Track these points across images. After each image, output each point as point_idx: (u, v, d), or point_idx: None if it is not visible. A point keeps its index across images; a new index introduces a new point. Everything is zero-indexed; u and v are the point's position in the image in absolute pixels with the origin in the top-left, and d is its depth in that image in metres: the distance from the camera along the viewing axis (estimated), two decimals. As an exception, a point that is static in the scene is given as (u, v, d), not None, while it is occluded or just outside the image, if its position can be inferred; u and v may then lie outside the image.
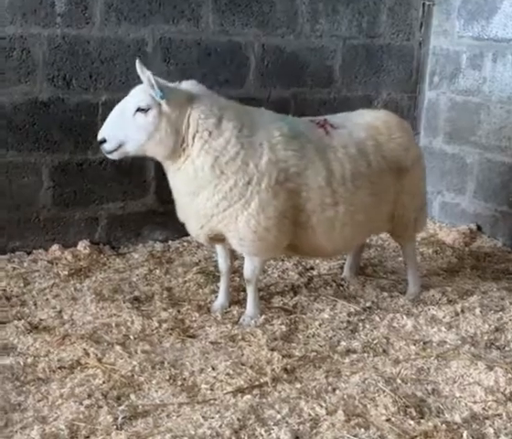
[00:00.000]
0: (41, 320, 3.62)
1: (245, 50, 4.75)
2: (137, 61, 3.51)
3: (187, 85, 3.68)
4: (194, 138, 3.49)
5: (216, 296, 3.91)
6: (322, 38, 4.97)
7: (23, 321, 3.57)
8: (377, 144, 3.83)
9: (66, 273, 4.20)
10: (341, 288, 4.15)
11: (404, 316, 3.74)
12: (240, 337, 3.52)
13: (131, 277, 4.23)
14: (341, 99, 5.11)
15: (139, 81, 4.55)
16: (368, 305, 3.88)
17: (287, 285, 4.16)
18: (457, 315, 3.79)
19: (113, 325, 3.58)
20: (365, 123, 3.88)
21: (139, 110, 3.48)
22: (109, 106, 4.34)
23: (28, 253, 4.41)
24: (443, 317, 3.76)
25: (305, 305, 3.89)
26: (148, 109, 3.47)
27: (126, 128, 3.49)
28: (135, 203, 4.68)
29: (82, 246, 4.51)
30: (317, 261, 4.50)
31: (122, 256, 4.56)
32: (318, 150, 3.64)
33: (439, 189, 5.41)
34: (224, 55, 4.69)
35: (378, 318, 3.74)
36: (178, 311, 3.78)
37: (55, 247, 4.45)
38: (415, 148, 4.11)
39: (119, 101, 4.36)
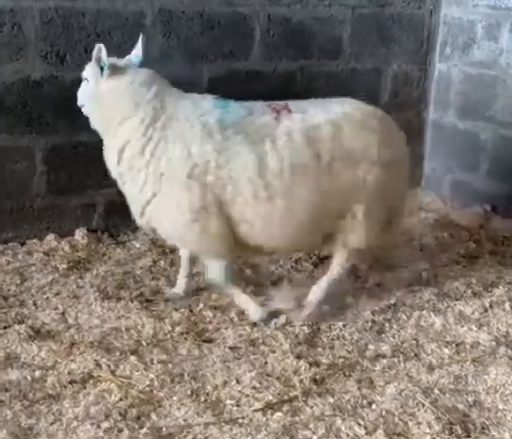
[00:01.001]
0: (44, 324, 3.34)
1: (250, 21, 4.43)
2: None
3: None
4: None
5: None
6: (330, 8, 4.66)
7: (24, 325, 3.28)
8: (336, 134, 3.35)
9: (64, 266, 3.90)
10: (359, 280, 3.93)
11: (431, 314, 3.53)
12: (260, 340, 3.28)
13: (134, 270, 3.95)
14: (349, 71, 4.83)
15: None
16: (392, 301, 3.66)
17: (301, 277, 3.94)
18: (486, 310, 3.59)
19: (123, 329, 3.31)
20: (333, 111, 3.41)
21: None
22: (106, 84, 4.03)
23: (22, 244, 4.10)
24: (472, 314, 3.56)
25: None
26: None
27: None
28: (134, 187, 4.38)
29: (80, 235, 4.21)
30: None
31: (122, 245, 4.25)
32: (251, 141, 3.30)
33: (449, 167, 5.18)
34: (228, 27, 4.36)
35: (404, 317, 3.52)
36: (191, 311, 3.52)
37: (50, 237, 4.14)
38: (390, 150, 3.52)
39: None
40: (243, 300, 3.51)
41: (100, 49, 3.33)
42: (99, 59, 3.34)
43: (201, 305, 3.58)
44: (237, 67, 4.43)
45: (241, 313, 3.50)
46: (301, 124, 3.34)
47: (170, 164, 3.29)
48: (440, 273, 4.02)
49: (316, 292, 3.53)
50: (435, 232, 4.68)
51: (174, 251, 4.21)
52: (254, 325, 3.42)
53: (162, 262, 4.04)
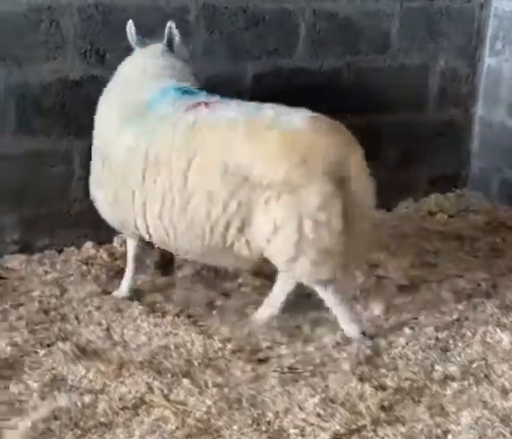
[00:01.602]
0: (89, 342, 3.15)
1: (295, 17, 4.21)
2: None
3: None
4: None
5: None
6: (378, 1, 4.43)
7: (69, 343, 3.09)
8: (225, 142, 3.05)
9: (104, 276, 3.72)
10: (414, 291, 3.73)
11: (497, 329, 3.32)
12: (318, 360, 3.09)
13: (175, 279, 3.77)
14: (397, 67, 4.60)
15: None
16: (454, 316, 3.45)
17: (353, 290, 3.70)
18: (556, 326, 3.40)
19: (172, 347, 3.12)
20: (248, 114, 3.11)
21: None
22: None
23: (59, 252, 3.91)
24: (541, 329, 3.37)
25: (382, 313, 3.48)
26: None
27: None
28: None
29: (118, 242, 4.01)
30: (381, 256, 4.07)
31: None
32: (138, 135, 3.20)
33: (498, 166, 4.95)
34: (272, 23, 4.14)
35: (469, 333, 3.31)
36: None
37: (88, 244, 3.95)
38: (294, 171, 2.98)
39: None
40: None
41: None
42: None
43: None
44: (281, 64, 4.22)
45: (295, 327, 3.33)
46: (190, 122, 3.13)
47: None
48: (499, 283, 3.81)
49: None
50: (487, 237, 4.47)
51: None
52: (308, 341, 3.24)
53: (204, 271, 3.83)
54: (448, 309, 3.51)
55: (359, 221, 3.08)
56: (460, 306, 3.54)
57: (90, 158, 3.58)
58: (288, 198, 2.98)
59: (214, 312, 3.46)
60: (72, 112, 3.77)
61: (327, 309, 3.41)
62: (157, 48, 3.48)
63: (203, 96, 3.30)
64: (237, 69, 4.09)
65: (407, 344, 3.21)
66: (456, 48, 4.79)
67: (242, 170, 3.00)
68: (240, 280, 3.74)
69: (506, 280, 3.85)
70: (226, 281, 3.74)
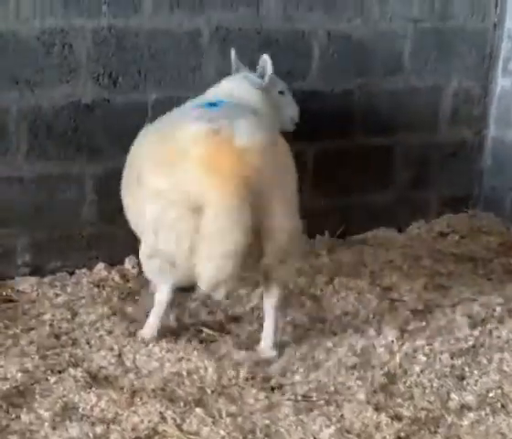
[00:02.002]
0: (101, 368, 3.11)
1: (308, 39, 4.20)
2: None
3: None
4: None
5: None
6: (391, 22, 4.41)
7: (80, 369, 3.05)
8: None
9: (116, 298, 3.70)
10: (428, 315, 3.70)
11: (514, 357, 3.30)
12: (332, 388, 3.05)
13: (187, 302, 3.74)
14: (409, 88, 4.57)
15: (193, 77, 4.09)
16: (470, 342, 3.41)
17: (366, 314, 3.68)
18: None
19: (185, 374, 3.08)
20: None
21: None
22: (159, 106, 3.85)
23: (71, 274, 3.89)
24: (560, 357, 3.32)
25: (396, 339, 3.43)
26: None
27: None
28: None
29: (130, 264, 3.99)
30: (393, 278, 4.05)
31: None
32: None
33: (511, 186, 4.92)
34: (286, 44, 4.13)
35: (485, 360, 3.27)
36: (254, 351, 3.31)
37: (100, 266, 3.93)
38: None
39: (171, 100, 3.88)
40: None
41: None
42: None
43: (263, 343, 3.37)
44: (294, 86, 4.19)
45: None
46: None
47: None
48: (514, 308, 3.78)
49: None
50: (501, 258, 4.43)
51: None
52: (321, 368, 3.20)
53: (215, 294, 3.82)
54: (463, 335, 3.47)
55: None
56: (475, 332, 3.49)
57: (102, 182, 3.59)
58: None
59: (226, 337, 3.45)
60: (85, 135, 3.76)
61: (340, 335, 3.41)
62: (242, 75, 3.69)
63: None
64: (250, 93, 4.08)
65: (422, 372, 3.17)
66: (469, 69, 4.76)
67: None
68: (252, 304, 3.73)
69: (519, 303, 3.82)
70: (237, 304, 3.73)
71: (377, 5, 4.33)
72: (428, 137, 4.81)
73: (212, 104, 3.32)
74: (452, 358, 3.27)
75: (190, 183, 2.94)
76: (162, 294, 3.32)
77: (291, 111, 3.90)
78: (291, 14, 4.08)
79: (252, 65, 4.05)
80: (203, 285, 3.04)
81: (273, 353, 3.27)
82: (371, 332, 3.46)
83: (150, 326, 3.35)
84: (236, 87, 3.61)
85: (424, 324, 3.60)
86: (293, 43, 4.15)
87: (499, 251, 4.54)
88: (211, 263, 2.95)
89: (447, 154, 4.89)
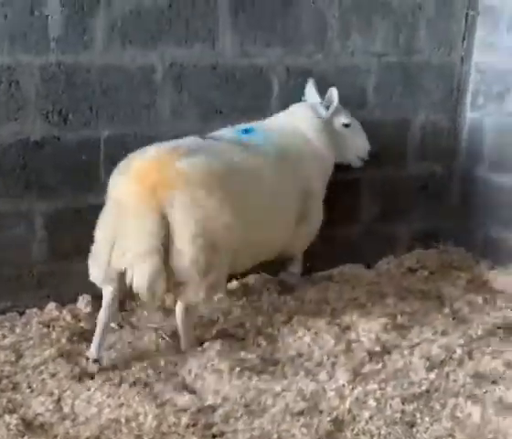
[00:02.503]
0: (37, 415, 3.01)
1: (267, 74, 4.13)
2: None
3: None
4: None
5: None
6: (354, 56, 4.36)
7: (15, 416, 2.95)
8: None
9: (64, 340, 3.59)
10: (385, 357, 3.58)
11: (468, 402, 3.15)
12: (275, 435, 2.94)
13: (139, 345, 3.63)
14: (375, 123, 4.49)
15: (147, 113, 4.04)
16: (424, 387, 3.28)
17: (321, 355, 3.55)
18: (529, 398, 3.23)
19: (123, 420, 2.97)
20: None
21: None
22: (112, 143, 3.79)
23: (21, 314, 3.79)
24: (514, 402, 3.20)
25: (348, 383, 3.32)
26: None
27: None
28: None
29: (83, 303, 3.90)
30: (353, 317, 3.93)
31: (130, 313, 3.95)
32: None
33: (481, 223, 4.82)
34: (243, 80, 4.07)
35: (438, 406, 3.14)
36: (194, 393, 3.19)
37: (51, 305, 3.83)
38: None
39: (124, 137, 3.83)
40: None
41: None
42: None
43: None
44: (255, 122, 4.14)
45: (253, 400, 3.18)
46: None
47: None
48: (475, 349, 3.64)
49: None
50: (468, 296, 4.31)
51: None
52: (264, 414, 3.08)
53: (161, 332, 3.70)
54: (418, 378, 3.35)
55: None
56: (431, 375, 3.37)
57: (53, 219, 3.53)
58: None
59: (172, 378, 3.34)
60: (34, 173, 3.68)
61: (290, 379, 3.31)
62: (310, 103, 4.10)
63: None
64: (207, 129, 3.98)
65: (371, 418, 3.05)
66: (436, 103, 4.68)
67: None
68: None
69: (484, 345, 3.68)
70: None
71: (337, 40, 4.26)
72: (396, 170, 4.73)
73: (246, 131, 3.81)
74: (403, 403, 3.14)
75: (120, 189, 3.37)
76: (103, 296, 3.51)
77: (356, 146, 4.17)
78: (248, 49, 4.02)
79: (208, 102, 4.01)
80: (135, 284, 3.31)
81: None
82: (323, 375, 3.36)
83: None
84: (297, 114, 4.03)
85: (380, 366, 3.48)
86: (252, 79, 4.09)
87: (467, 289, 4.42)
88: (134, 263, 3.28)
89: (417, 187, 4.82)
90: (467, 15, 4.62)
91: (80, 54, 3.64)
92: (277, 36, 4.09)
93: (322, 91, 4.29)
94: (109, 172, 3.50)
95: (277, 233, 3.84)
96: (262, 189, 3.67)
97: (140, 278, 3.27)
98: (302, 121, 3.99)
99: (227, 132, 3.81)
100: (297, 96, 4.18)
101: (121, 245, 3.30)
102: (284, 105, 4.17)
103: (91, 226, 3.86)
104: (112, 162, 3.52)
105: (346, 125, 4.13)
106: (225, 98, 4.03)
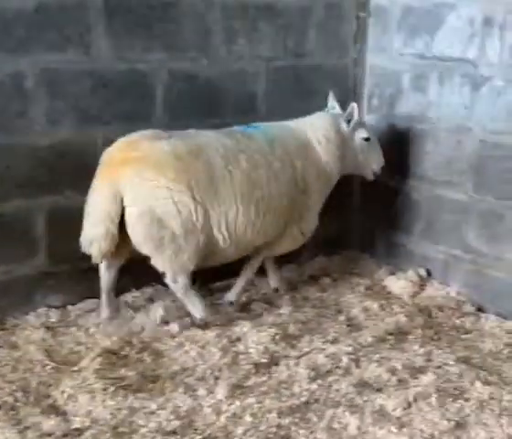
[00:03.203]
0: None
1: (149, 79, 3.99)
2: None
3: None
4: None
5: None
6: (241, 61, 4.24)
7: None
8: None
9: None
10: (271, 369, 3.45)
11: (347, 412, 3.05)
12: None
13: (15, 363, 3.41)
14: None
15: (19, 121, 3.84)
16: (304, 399, 3.15)
17: (204, 370, 3.41)
18: (410, 405, 3.11)
19: (-24, 453, 2.79)
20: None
21: None
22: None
23: None
24: (393, 410, 3.07)
25: (226, 398, 3.17)
26: None
27: None
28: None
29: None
30: (244, 329, 3.80)
31: (7, 331, 3.73)
32: None
33: (381, 228, 4.77)
34: (123, 85, 3.91)
35: (315, 418, 3.02)
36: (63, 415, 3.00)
37: None
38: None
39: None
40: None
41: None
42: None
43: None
44: (137, 129, 3.97)
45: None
46: None
47: None
48: (363, 356, 3.54)
49: None
50: (365, 303, 4.23)
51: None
52: (136, 434, 2.91)
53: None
54: (299, 390, 3.23)
55: None
56: (313, 386, 3.26)
57: None
58: None
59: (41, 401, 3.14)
60: None
61: (168, 395, 3.15)
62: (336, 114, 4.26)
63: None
64: (85, 137, 3.84)
65: (245, 434, 2.92)
66: (331, 107, 4.62)
67: None
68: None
69: (372, 352, 3.59)
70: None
71: (223, 45, 4.15)
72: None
73: (254, 127, 4.00)
74: (279, 416, 3.02)
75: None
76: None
77: (373, 160, 4.31)
78: (126, 54, 3.87)
79: (86, 109, 3.84)
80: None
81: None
82: (202, 391, 3.21)
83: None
84: (314, 120, 4.16)
85: (264, 378, 3.35)
86: (133, 84, 3.93)
87: (366, 295, 4.34)
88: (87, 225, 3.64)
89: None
90: (358, 17, 4.58)
91: None
92: (158, 40, 3.95)
93: (210, 96, 4.19)
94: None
95: (257, 224, 3.86)
96: (236, 175, 3.75)
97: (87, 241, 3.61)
98: (314, 127, 4.13)
99: (238, 128, 3.99)
100: (184, 101, 4.07)
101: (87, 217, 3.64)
102: (170, 111, 4.05)
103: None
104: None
105: (366, 139, 4.25)
106: (104, 104, 3.87)
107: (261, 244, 4.03)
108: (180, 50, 4.03)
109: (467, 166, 4.21)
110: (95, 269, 3.84)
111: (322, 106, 4.57)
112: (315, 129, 4.11)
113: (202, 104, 4.17)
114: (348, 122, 4.18)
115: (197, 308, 3.84)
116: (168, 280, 3.75)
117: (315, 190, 4.12)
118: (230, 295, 4.14)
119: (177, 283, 3.74)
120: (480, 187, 4.16)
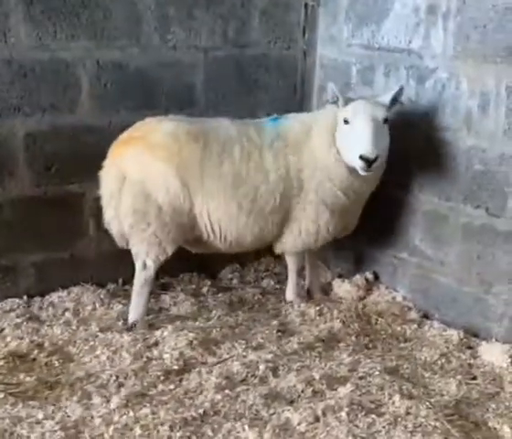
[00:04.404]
0: None
1: (74, 68, 3.79)
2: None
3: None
4: None
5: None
6: (176, 51, 4.03)
7: None
8: None
9: None
10: (182, 377, 3.23)
11: (246, 426, 2.81)
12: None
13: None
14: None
15: None
16: (201, 410, 2.92)
17: (109, 376, 3.20)
18: (317, 420, 2.87)
19: None
20: None
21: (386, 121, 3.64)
22: None
23: None
24: (298, 425, 2.84)
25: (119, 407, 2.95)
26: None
27: (384, 141, 3.66)
28: None
29: None
30: (165, 332, 3.60)
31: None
32: None
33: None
34: (45, 75, 3.73)
35: (210, 431, 2.80)
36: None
37: None
38: None
39: None
40: None
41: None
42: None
43: None
44: (62, 121, 3.80)
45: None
46: None
47: None
48: (283, 365, 3.31)
49: None
50: (304, 307, 4.00)
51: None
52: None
53: None
54: (200, 401, 3.01)
55: None
56: (218, 396, 3.04)
57: None
58: None
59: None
60: None
61: (61, 404, 2.95)
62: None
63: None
64: (3, 129, 3.66)
65: (132, 444, 2.72)
66: (279, 101, 4.36)
67: None
68: None
69: (295, 360, 3.35)
70: None
71: (156, 33, 3.94)
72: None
73: (273, 119, 3.91)
74: (171, 429, 2.80)
75: None
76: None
77: (356, 147, 3.57)
78: (47, 43, 3.68)
79: (4, 99, 3.67)
80: None
81: None
82: (97, 399, 3.01)
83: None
84: (320, 116, 3.90)
85: (171, 387, 3.15)
86: (55, 74, 3.74)
87: (307, 299, 4.12)
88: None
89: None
90: (306, 5, 4.33)
91: None
92: (83, 28, 3.76)
93: (143, 87, 3.99)
94: None
95: (240, 221, 3.71)
96: (225, 166, 3.66)
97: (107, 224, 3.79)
98: (318, 121, 3.84)
99: (264, 119, 3.94)
100: (113, 92, 3.88)
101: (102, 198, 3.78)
102: (98, 100, 3.86)
103: None
104: None
105: (346, 121, 3.65)
106: (24, 94, 3.69)
107: (260, 243, 3.87)
108: (108, 38, 3.83)
109: (413, 165, 3.97)
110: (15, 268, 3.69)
111: (268, 99, 4.38)
112: (318, 123, 3.81)
113: (133, 96, 3.97)
114: (335, 103, 3.73)
115: (136, 310, 3.68)
116: (138, 263, 3.70)
117: (313, 188, 3.77)
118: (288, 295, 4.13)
119: (145, 269, 3.68)
120: (424, 186, 3.91)
